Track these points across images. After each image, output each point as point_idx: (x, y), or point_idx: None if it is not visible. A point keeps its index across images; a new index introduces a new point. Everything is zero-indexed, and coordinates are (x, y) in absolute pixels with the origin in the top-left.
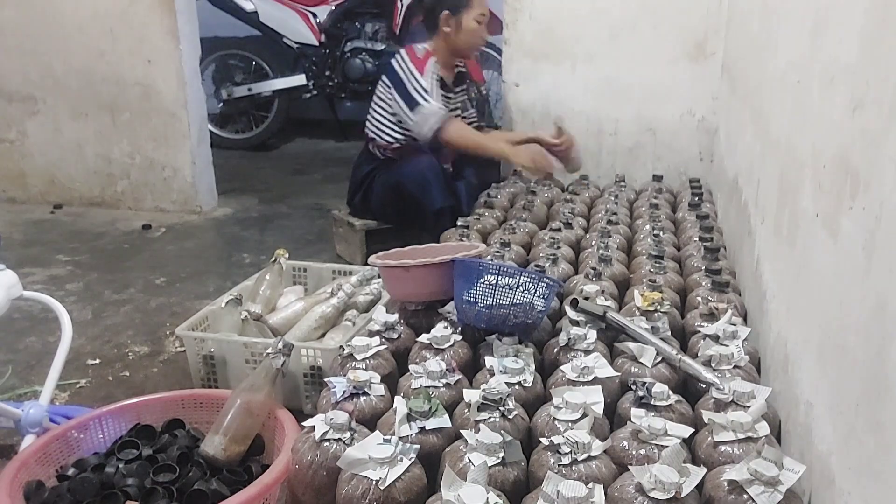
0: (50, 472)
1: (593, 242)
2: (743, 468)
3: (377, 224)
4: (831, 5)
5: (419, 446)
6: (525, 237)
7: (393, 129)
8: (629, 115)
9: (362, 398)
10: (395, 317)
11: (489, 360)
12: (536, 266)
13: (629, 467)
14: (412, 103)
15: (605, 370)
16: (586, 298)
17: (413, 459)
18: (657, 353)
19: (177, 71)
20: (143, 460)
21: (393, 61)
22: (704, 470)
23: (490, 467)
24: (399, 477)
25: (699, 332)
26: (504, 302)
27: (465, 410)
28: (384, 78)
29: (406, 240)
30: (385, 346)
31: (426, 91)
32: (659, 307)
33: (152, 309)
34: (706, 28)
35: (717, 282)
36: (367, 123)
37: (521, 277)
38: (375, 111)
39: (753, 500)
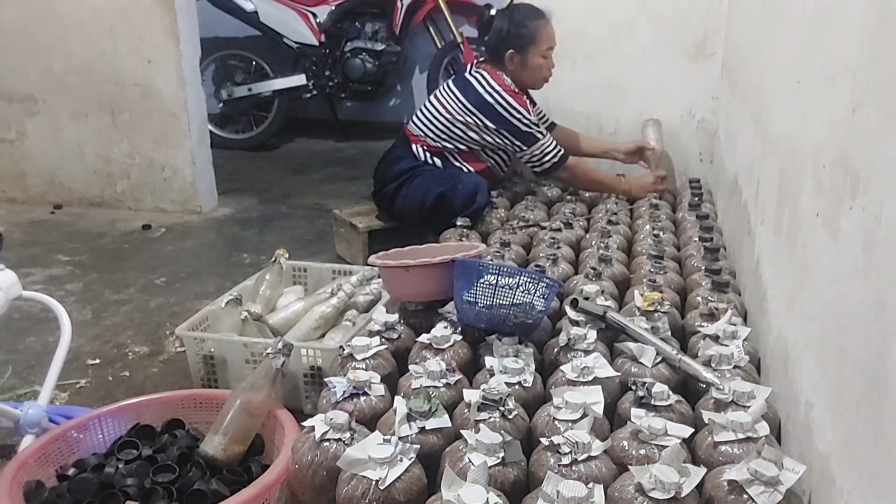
0: (50, 472)
1: (593, 242)
2: (743, 468)
3: (380, 225)
4: (831, 5)
5: (419, 446)
6: (525, 237)
7: (466, 142)
8: (629, 115)
9: (362, 398)
10: (395, 317)
11: (489, 360)
12: (536, 266)
13: (629, 467)
14: (529, 139)
15: (605, 370)
16: (586, 298)
17: (413, 459)
18: (657, 353)
19: (177, 71)
20: (142, 460)
21: (475, 83)
22: (704, 470)
23: (490, 467)
24: (399, 477)
25: (699, 332)
26: (504, 302)
27: (465, 410)
28: (463, 99)
29: (410, 242)
30: (385, 346)
31: (536, 125)
32: (659, 307)
33: (152, 309)
34: (706, 28)
35: (717, 282)
36: (424, 127)
37: (521, 277)
38: (441, 121)
39: (753, 500)
